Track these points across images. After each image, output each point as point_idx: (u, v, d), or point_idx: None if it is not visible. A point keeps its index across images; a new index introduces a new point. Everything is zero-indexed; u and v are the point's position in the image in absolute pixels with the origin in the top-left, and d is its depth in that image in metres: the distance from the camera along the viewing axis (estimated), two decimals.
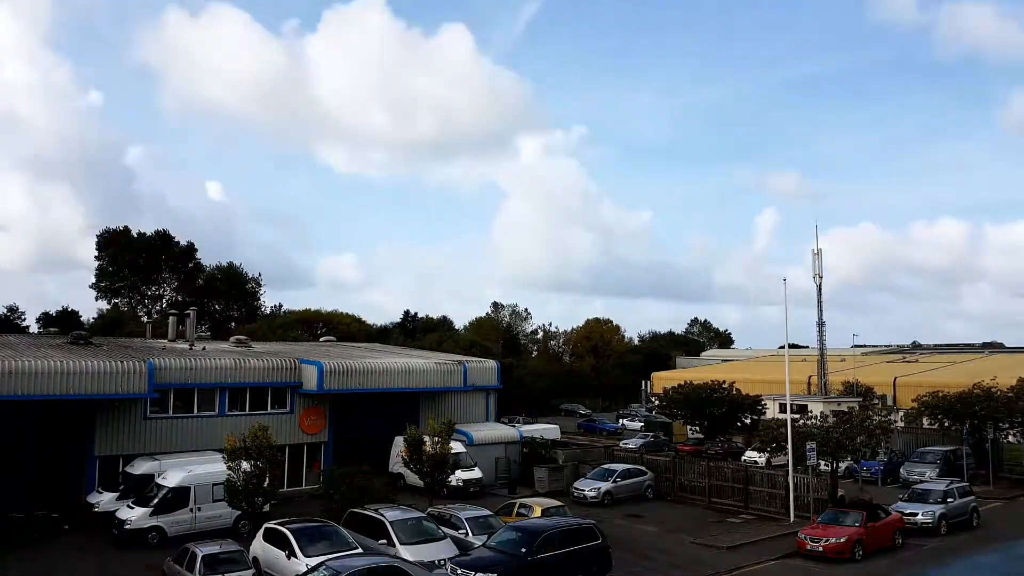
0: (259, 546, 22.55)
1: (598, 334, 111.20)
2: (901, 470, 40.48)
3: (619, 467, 36.25)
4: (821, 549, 25.33)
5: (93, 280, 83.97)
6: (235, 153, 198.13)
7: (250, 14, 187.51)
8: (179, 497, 26.75)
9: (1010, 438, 44.59)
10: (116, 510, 27.11)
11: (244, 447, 23.96)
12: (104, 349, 35.25)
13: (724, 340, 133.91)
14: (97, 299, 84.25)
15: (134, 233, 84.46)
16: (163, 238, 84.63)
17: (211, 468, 27.14)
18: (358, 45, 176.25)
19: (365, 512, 24.55)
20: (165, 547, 24.33)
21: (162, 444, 32.19)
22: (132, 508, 26.59)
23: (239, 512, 25.64)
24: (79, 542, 26.29)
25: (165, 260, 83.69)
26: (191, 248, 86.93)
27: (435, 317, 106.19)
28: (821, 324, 58.08)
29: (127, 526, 25.98)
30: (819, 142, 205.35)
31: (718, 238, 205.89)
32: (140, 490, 27.80)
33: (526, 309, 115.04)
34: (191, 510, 26.78)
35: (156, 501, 26.52)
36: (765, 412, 49.90)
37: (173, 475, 27.34)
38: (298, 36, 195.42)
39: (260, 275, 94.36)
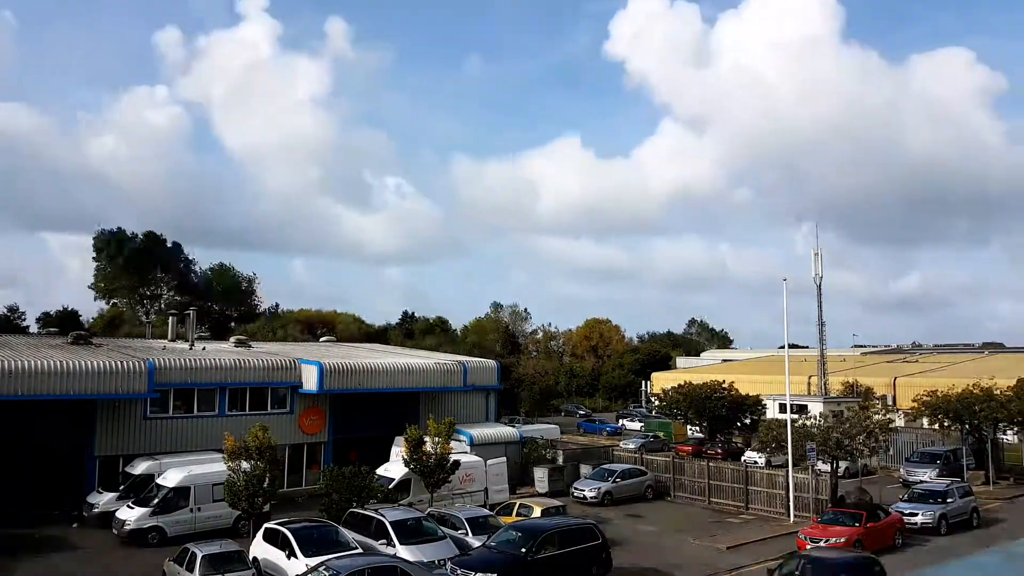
0: (259, 546, 22.55)
1: (598, 334, 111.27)
2: (901, 470, 40.52)
3: (619, 467, 36.27)
4: None
5: (92, 281, 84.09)
6: None
7: None
8: (179, 497, 26.77)
9: (1010, 438, 44.60)
10: (116, 510, 27.12)
11: (244, 447, 23.98)
12: (104, 349, 35.25)
13: (724, 340, 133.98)
14: (96, 300, 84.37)
15: (128, 234, 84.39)
16: (152, 239, 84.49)
17: (211, 468, 27.14)
18: None
19: (365, 512, 24.58)
20: (165, 547, 24.32)
21: (162, 444, 32.17)
22: (132, 508, 26.59)
23: (239, 512, 25.64)
24: (80, 542, 26.28)
25: (156, 260, 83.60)
26: (177, 247, 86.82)
27: (435, 317, 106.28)
28: (821, 324, 58.11)
29: (127, 526, 25.99)
30: None
31: None
32: (140, 490, 27.79)
33: (525, 309, 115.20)
34: (191, 510, 26.78)
35: (156, 501, 26.54)
36: (765, 412, 49.88)
37: (173, 475, 27.32)
38: None
39: (255, 275, 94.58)
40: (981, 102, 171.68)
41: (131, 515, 26.23)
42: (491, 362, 45.01)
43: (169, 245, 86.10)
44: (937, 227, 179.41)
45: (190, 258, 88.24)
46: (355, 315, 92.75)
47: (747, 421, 50.52)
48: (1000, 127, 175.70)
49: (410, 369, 38.67)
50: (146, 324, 57.19)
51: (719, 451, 45.69)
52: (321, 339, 59.32)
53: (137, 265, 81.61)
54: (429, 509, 26.59)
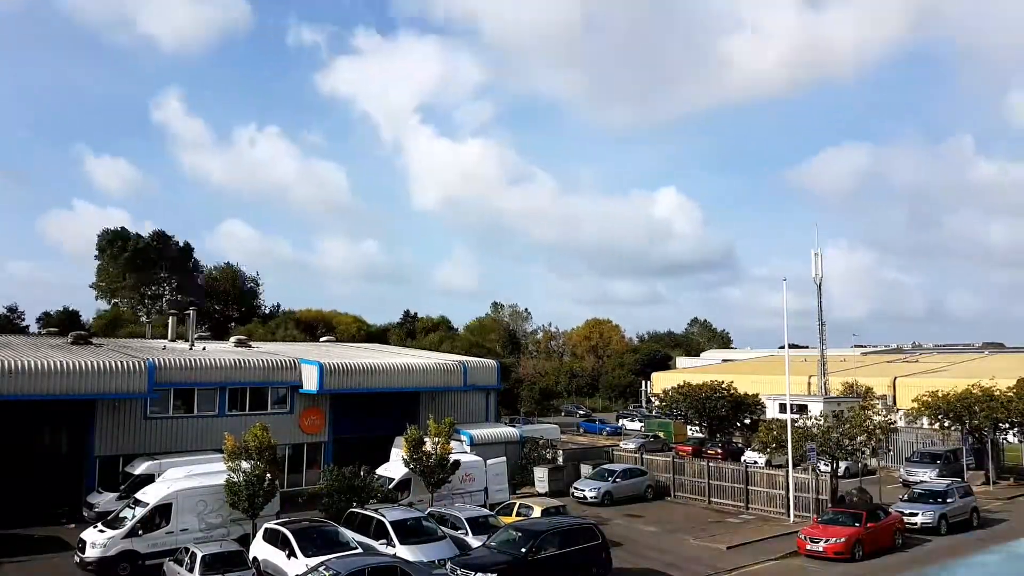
0: (259, 546, 22.54)
1: (598, 334, 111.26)
2: (901, 470, 40.51)
3: (619, 467, 36.28)
4: (821, 549, 25.34)
5: (93, 280, 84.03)
6: None
7: None
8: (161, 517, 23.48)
9: (1010, 438, 44.59)
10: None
11: (244, 447, 23.95)
12: (104, 349, 35.26)
13: (724, 340, 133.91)
14: (97, 299, 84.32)
15: (132, 233, 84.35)
16: (160, 237, 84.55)
17: (199, 483, 24.76)
18: None
19: (365, 512, 24.57)
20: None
21: (162, 444, 32.17)
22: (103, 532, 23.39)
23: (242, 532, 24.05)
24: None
25: (162, 260, 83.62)
26: (188, 248, 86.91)
27: (435, 317, 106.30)
28: (821, 324, 58.04)
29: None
30: None
31: None
32: (139, 488, 27.49)
33: (526, 309, 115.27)
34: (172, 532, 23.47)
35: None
36: (765, 412, 49.87)
37: (153, 491, 24.19)
38: None
39: (258, 274, 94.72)
40: None
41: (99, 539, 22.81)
42: (491, 362, 45.01)
43: (180, 244, 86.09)
44: None
45: (196, 258, 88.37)
46: (355, 315, 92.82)
47: (747, 421, 50.50)
48: None
49: (410, 369, 38.67)
50: (146, 324, 57.11)
51: (719, 451, 45.67)
52: (321, 339, 59.33)
53: (141, 264, 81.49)
54: (429, 509, 26.59)
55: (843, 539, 25.34)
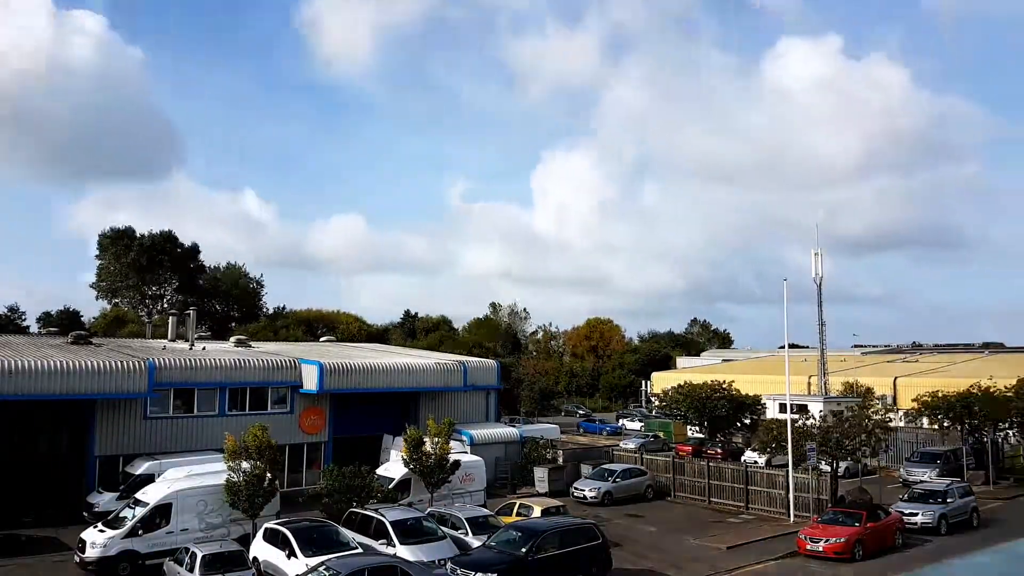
0: (259, 546, 22.55)
1: (598, 334, 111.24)
2: (901, 470, 40.52)
3: (619, 467, 36.29)
4: (821, 549, 25.35)
5: (94, 280, 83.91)
6: None
7: None
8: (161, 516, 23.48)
9: (1010, 438, 44.59)
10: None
11: (244, 447, 23.95)
12: (104, 349, 35.25)
13: (724, 340, 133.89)
14: (97, 299, 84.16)
15: (137, 234, 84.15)
16: (167, 239, 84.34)
17: (201, 482, 24.77)
18: None
19: (365, 512, 24.59)
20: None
21: (162, 444, 32.16)
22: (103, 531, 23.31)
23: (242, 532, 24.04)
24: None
25: (167, 261, 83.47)
26: (195, 249, 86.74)
27: (435, 317, 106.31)
28: (821, 324, 57.99)
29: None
30: None
31: None
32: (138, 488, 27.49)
33: (525, 309, 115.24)
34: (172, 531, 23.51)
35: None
36: (765, 412, 49.83)
37: (154, 491, 24.20)
38: None
39: (262, 275, 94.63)
40: None
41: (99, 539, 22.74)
42: (491, 362, 45.02)
43: (188, 246, 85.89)
44: None
45: (201, 259, 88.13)
46: (356, 315, 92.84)
47: (747, 421, 50.46)
48: None
49: (410, 369, 38.67)
50: (147, 324, 57.12)
51: (719, 451, 45.68)
52: (321, 339, 59.33)
53: (145, 264, 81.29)
54: (429, 509, 26.60)
55: (843, 539, 25.35)
